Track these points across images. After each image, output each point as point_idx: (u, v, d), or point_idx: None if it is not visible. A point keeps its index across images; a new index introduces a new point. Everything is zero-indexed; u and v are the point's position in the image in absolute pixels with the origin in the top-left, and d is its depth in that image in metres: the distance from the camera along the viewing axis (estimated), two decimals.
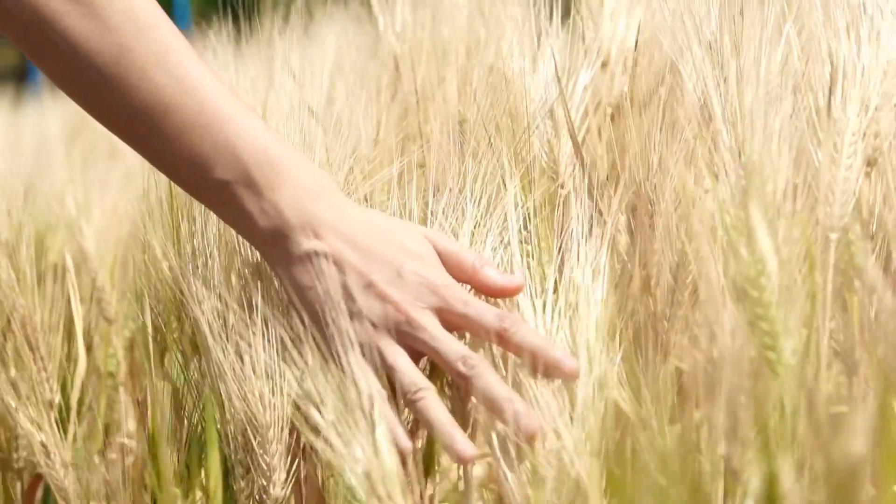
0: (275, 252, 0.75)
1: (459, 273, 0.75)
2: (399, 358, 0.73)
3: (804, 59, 0.81)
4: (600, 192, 0.85)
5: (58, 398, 0.90)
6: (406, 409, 0.74)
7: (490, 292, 0.75)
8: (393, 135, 0.83)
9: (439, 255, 0.76)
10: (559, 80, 0.88)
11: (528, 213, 0.82)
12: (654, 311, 0.71)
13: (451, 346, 0.73)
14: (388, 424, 0.69)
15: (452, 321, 0.74)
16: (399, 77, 0.88)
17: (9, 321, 0.91)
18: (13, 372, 0.90)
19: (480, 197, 0.78)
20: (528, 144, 0.88)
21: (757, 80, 0.80)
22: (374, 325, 0.73)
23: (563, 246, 0.73)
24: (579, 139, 0.88)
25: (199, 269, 0.81)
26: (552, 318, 0.72)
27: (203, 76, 0.75)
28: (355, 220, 0.75)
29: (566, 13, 0.89)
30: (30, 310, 0.89)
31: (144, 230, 0.85)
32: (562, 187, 0.88)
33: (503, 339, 0.72)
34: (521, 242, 0.84)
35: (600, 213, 0.81)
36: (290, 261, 0.75)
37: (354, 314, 0.73)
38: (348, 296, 0.73)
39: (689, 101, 0.82)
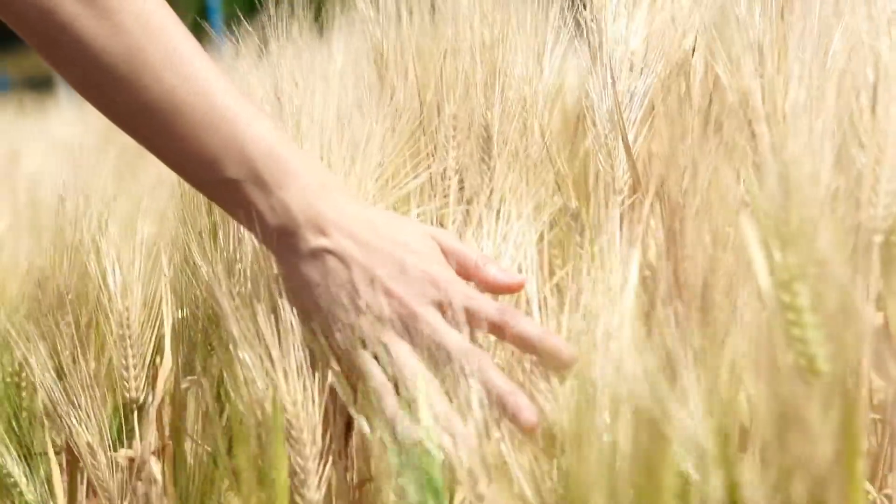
0: (283, 249, 0.77)
1: (462, 270, 0.77)
2: (402, 351, 0.75)
3: (847, 57, 0.79)
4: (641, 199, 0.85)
5: (143, 396, 0.92)
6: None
7: (492, 289, 0.77)
8: (406, 141, 0.83)
9: (443, 252, 0.77)
10: (614, 84, 0.87)
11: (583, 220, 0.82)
12: (684, 317, 0.70)
13: (453, 340, 0.74)
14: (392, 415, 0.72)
15: (454, 315, 0.75)
16: (386, 76, 0.87)
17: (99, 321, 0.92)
18: (76, 370, 0.90)
19: (504, 206, 0.79)
20: (585, 151, 0.88)
21: (799, 80, 0.79)
22: (378, 319, 0.75)
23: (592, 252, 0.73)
24: (637, 146, 0.87)
25: (233, 277, 0.82)
26: (574, 321, 0.72)
27: (212, 76, 0.77)
28: (361, 218, 0.76)
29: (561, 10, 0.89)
30: (130, 309, 0.90)
31: (184, 235, 0.86)
32: (619, 193, 0.88)
33: (503, 331, 0.74)
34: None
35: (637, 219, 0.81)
36: (297, 257, 0.76)
37: (360, 309, 0.75)
38: (354, 291, 0.75)
39: (730, 101, 0.81)
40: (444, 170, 0.85)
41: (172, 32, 0.76)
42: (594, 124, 0.87)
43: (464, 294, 0.75)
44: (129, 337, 0.91)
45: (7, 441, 0.93)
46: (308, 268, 0.76)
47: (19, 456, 0.93)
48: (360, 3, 0.89)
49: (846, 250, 0.67)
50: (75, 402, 0.88)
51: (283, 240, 0.77)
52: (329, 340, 0.76)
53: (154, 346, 0.92)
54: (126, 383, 0.91)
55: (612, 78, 0.88)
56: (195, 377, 0.90)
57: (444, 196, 0.84)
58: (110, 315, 0.90)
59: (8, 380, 0.98)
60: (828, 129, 0.75)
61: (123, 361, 0.91)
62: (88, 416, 0.88)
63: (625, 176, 0.86)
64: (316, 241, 0.76)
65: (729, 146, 0.77)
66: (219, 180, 0.77)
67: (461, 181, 0.85)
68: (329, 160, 0.82)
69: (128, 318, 0.91)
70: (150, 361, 0.92)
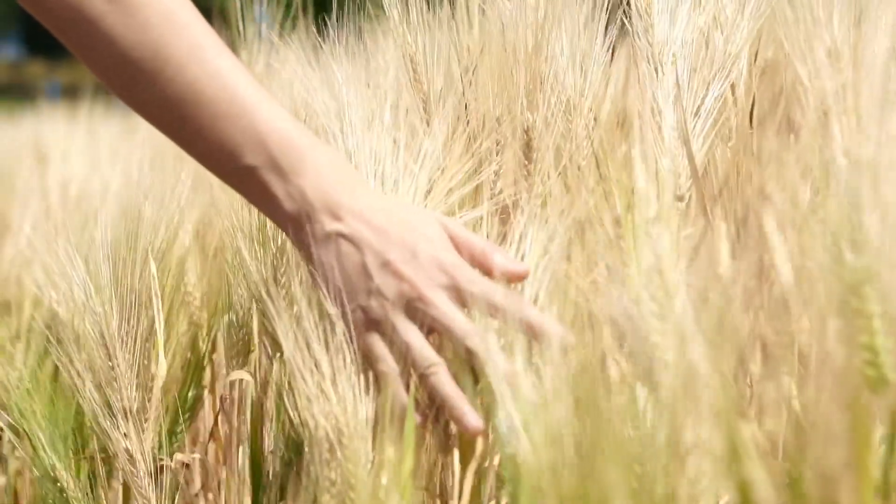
0: (299, 233, 0.80)
1: (470, 258, 0.80)
2: (412, 334, 0.78)
3: None
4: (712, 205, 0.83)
5: (136, 405, 0.90)
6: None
7: (498, 276, 0.79)
8: (460, 151, 0.84)
9: (452, 240, 0.80)
10: (679, 90, 0.86)
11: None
12: (759, 325, 0.68)
13: (461, 323, 0.77)
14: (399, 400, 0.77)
15: (461, 299, 0.78)
16: (417, 80, 0.88)
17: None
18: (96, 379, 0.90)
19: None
20: (625, 155, 0.86)
21: (874, 82, 0.76)
22: (389, 301, 0.78)
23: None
24: (704, 154, 0.85)
25: (281, 285, 0.85)
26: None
27: (233, 70, 0.80)
28: (374, 205, 0.79)
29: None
30: (106, 318, 0.89)
31: (234, 236, 0.88)
32: (681, 200, 0.86)
33: (507, 316, 0.76)
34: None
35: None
36: (312, 241, 0.79)
37: (371, 291, 0.78)
38: (366, 274, 0.78)
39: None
40: (489, 175, 0.86)
41: (196, 29, 0.80)
42: (656, 129, 0.85)
43: (470, 278, 0.78)
44: (113, 346, 0.90)
45: (57, 443, 0.92)
46: (322, 251, 0.78)
47: (68, 460, 0.92)
48: (412, 14, 0.88)
49: None
50: (115, 409, 0.88)
51: (299, 224, 0.79)
52: (345, 323, 0.78)
53: (147, 350, 0.91)
54: (117, 394, 0.90)
55: (679, 85, 0.86)
56: (242, 372, 0.90)
57: (489, 198, 0.86)
58: (87, 321, 0.89)
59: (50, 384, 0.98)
60: None
61: (111, 367, 0.89)
62: (127, 423, 0.88)
63: (687, 181, 0.85)
64: (330, 225, 0.78)
65: (802, 149, 0.75)
66: (238, 168, 0.80)
67: (503, 186, 0.87)
68: (380, 169, 0.84)
69: (106, 323, 0.90)
70: (144, 366, 0.91)
